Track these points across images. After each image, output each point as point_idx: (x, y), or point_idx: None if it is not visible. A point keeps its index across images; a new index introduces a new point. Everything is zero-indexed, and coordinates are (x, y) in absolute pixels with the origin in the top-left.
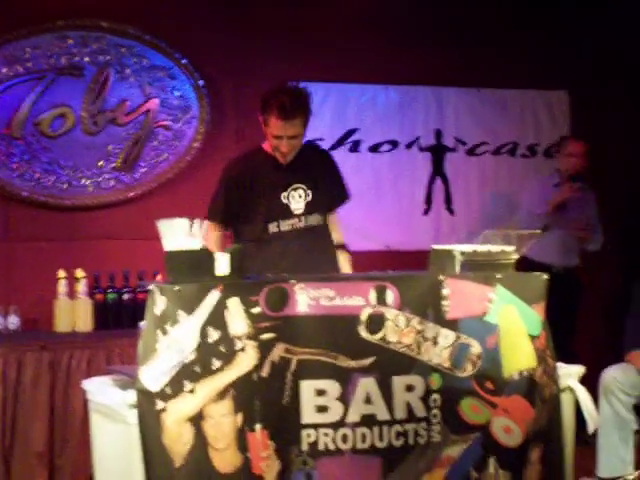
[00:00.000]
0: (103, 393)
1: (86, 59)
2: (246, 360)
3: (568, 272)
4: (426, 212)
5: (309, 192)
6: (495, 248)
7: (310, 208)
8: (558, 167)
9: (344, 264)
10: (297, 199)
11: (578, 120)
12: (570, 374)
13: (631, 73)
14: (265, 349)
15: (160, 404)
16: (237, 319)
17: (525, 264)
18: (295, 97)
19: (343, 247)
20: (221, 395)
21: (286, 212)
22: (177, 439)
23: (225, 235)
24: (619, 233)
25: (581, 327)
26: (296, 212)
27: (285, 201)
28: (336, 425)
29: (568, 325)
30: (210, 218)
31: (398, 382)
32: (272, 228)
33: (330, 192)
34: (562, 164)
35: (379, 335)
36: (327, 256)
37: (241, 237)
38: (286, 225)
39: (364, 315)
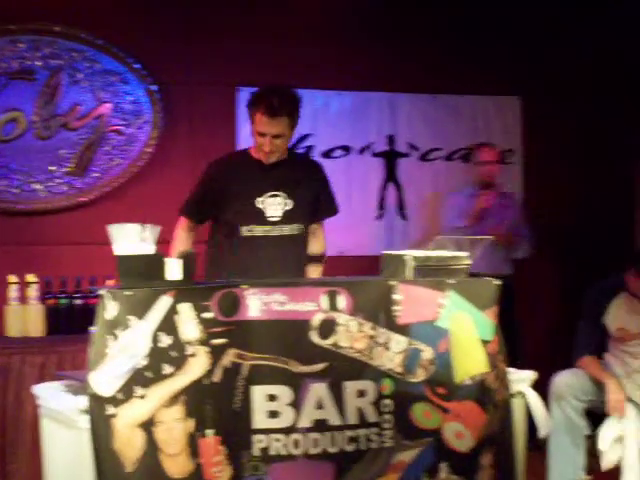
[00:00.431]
0: (54, 398)
1: (38, 63)
2: (197, 365)
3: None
4: (379, 217)
5: (289, 201)
6: (447, 254)
7: (288, 217)
8: (473, 177)
9: (312, 275)
10: (274, 206)
11: (530, 126)
12: (522, 379)
13: (583, 78)
14: (217, 354)
15: (111, 409)
16: (188, 324)
17: None
18: (284, 97)
19: (318, 259)
20: (172, 400)
21: (260, 218)
22: (128, 444)
23: (196, 231)
24: (571, 238)
25: (532, 333)
26: (271, 219)
27: (260, 206)
28: (288, 430)
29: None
30: (182, 212)
31: (350, 387)
32: (245, 232)
33: (314, 204)
34: (475, 173)
35: (331, 340)
36: (298, 267)
37: (217, 235)
38: (260, 231)
39: (316, 320)
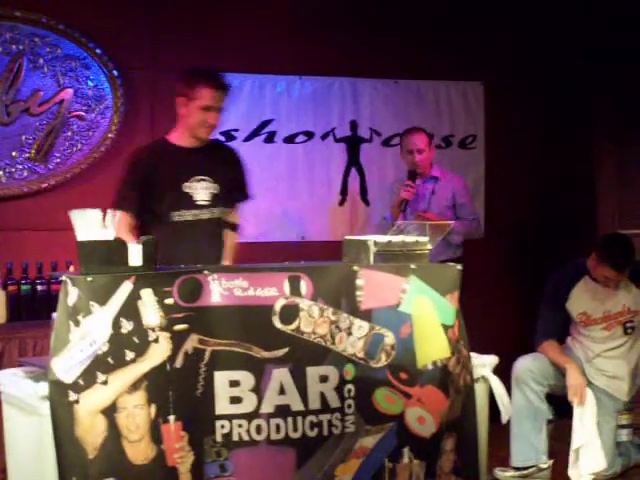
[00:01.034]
0: (15, 385)
1: None
2: (159, 351)
3: None
4: (341, 203)
5: (216, 185)
6: (409, 238)
7: (216, 200)
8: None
9: (227, 240)
10: (201, 190)
11: (493, 111)
12: (484, 364)
13: (546, 63)
14: (178, 340)
15: (73, 395)
16: (150, 310)
17: None
18: (219, 72)
19: (233, 226)
20: (134, 386)
21: (189, 202)
22: (90, 430)
23: (136, 224)
24: (533, 222)
25: (492, 317)
26: (200, 203)
27: (188, 191)
28: (250, 416)
29: None
30: (119, 207)
31: (312, 372)
32: (175, 217)
33: (235, 189)
34: (405, 161)
35: (293, 325)
36: (218, 242)
37: (146, 224)
38: (189, 215)
39: (278, 306)
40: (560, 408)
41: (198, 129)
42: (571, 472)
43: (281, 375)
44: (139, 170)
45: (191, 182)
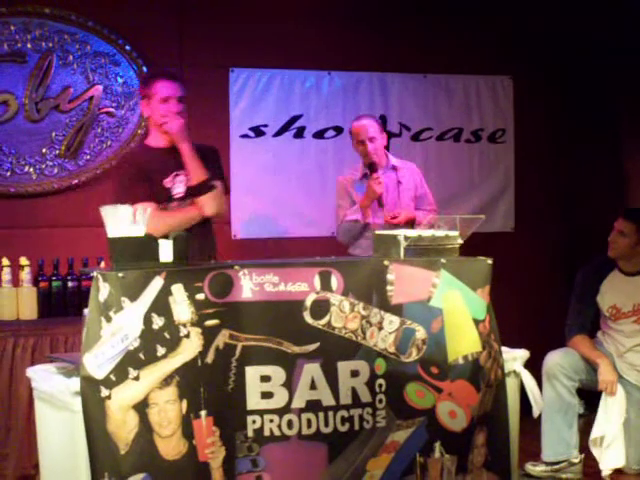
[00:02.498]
0: (47, 381)
1: (29, 46)
2: (191, 346)
3: None
4: None
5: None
6: (439, 233)
7: (190, 192)
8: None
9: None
10: (178, 184)
11: (522, 105)
12: (515, 358)
13: (573, 58)
14: (209, 335)
15: (104, 391)
16: (181, 305)
17: None
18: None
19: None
20: (166, 382)
21: (168, 196)
22: (122, 426)
23: None
24: (562, 215)
25: (523, 311)
26: (177, 196)
27: (168, 185)
28: (281, 411)
29: None
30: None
31: (343, 367)
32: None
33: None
34: (358, 153)
35: (324, 320)
36: (207, 242)
37: None
38: (171, 208)
39: (309, 301)
40: (591, 402)
41: (164, 122)
42: (593, 449)
43: (312, 370)
44: (136, 179)
45: (170, 177)
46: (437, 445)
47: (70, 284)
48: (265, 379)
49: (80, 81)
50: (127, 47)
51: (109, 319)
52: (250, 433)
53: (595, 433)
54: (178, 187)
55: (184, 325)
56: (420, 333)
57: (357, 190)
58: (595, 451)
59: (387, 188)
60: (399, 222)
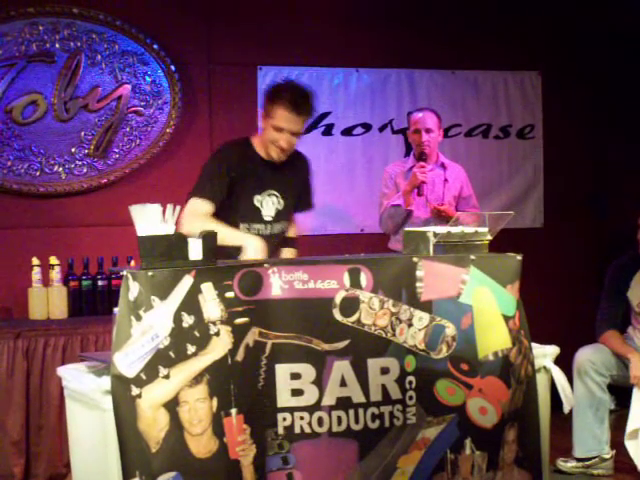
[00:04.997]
0: (78, 380)
1: (57, 45)
2: (221, 345)
3: None
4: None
5: (281, 200)
6: (468, 229)
7: (278, 216)
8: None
9: (282, 255)
10: (269, 205)
11: (550, 100)
12: (545, 354)
13: (601, 53)
14: (239, 333)
15: (135, 390)
16: (211, 304)
17: None
18: (306, 94)
19: (291, 242)
20: (196, 380)
21: (257, 216)
22: (152, 425)
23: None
24: (591, 211)
25: (553, 307)
26: (265, 218)
27: (257, 204)
28: (312, 408)
29: None
30: (202, 195)
31: (373, 364)
32: (242, 229)
33: (298, 199)
34: (411, 142)
35: (353, 318)
36: None
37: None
38: (254, 229)
39: (338, 298)
40: (621, 398)
41: (269, 146)
42: (628, 443)
43: (342, 367)
44: (228, 168)
45: (262, 195)
46: (468, 442)
47: (100, 283)
48: (295, 376)
49: (108, 80)
50: (155, 46)
51: (139, 318)
52: (280, 430)
53: (630, 427)
54: (270, 209)
55: (214, 323)
56: (450, 330)
57: (404, 180)
58: (631, 445)
59: (434, 183)
60: (445, 210)
